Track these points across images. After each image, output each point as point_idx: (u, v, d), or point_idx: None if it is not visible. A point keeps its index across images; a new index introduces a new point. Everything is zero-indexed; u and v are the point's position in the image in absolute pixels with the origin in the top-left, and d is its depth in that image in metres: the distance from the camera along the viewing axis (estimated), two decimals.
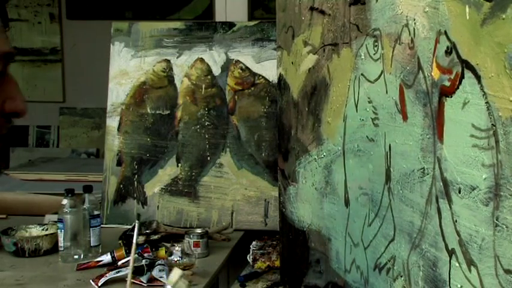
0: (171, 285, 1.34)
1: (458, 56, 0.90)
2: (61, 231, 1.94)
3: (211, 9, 2.81)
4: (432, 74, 0.98)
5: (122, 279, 1.78)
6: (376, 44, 1.22)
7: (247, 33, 2.46)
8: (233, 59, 2.44)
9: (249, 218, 2.34)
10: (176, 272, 1.36)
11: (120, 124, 2.45)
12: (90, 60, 4.19)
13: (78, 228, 1.95)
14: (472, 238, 0.88)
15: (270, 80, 2.39)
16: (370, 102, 1.27)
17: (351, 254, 1.42)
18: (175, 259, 1.86)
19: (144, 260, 1.84)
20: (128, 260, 1.89)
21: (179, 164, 2.40)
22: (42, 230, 2.11)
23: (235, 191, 2.36)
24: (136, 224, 1.60)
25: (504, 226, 0.80)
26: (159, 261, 1.83)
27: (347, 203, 1.43)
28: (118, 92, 2.46)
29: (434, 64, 0.98)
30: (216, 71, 2.44)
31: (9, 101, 0.77)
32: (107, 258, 1.90)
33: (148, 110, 2.45)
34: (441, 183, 0.97)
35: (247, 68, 2.42)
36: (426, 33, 1.00)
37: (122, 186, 2.43)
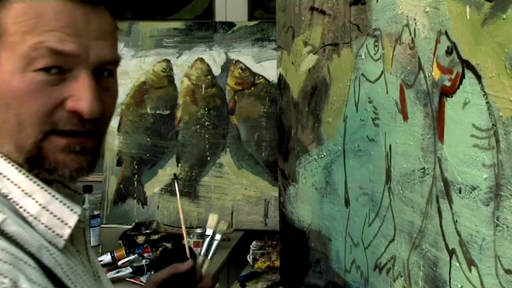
0: (213, 229, 1.35)
1: (459, 56, 0.90)
2: None
3: (211, 9, 2.81)
4: (433, 74, 0.98)
5: (122, 279, 1.78)
6: (377, 44, 1.22)
7: (247, 33, 2.46)
8: (233, 59, 2.44)
9: (249, 218, 2.34)
10: (213, 217, 1.36)
11: (120, 124, 2.45)
12: None
13: None
14: (472, 238, 0.88)
15: (270, 80, 2.39)
16: (370, 102, 1.27)
17: (351, 254, 1.42)
18: None
19: (144, 260, 1.84)
20: (128, 260, 1.90)
21: (179, 164, 2.40)
22: None
23: (235, 191, 2.36)
24: (176, 184, 1.49)
25: (504, 226, 0.80)
26: None
27: (347, 203, 1.43)
28: (118, 92, 2.46)
29: (434, 64, 0.98)
30: (216, 71, 2.44)
31: (71, 99, 0.73)
32: (107, 258, 1.90)
33: (148, 110, 2.45)
34: (442, 183, 0.96)
35: (247, 68, 2.42)
36: (427, 33, 1.00)
37: (121, 186, 2.42)
